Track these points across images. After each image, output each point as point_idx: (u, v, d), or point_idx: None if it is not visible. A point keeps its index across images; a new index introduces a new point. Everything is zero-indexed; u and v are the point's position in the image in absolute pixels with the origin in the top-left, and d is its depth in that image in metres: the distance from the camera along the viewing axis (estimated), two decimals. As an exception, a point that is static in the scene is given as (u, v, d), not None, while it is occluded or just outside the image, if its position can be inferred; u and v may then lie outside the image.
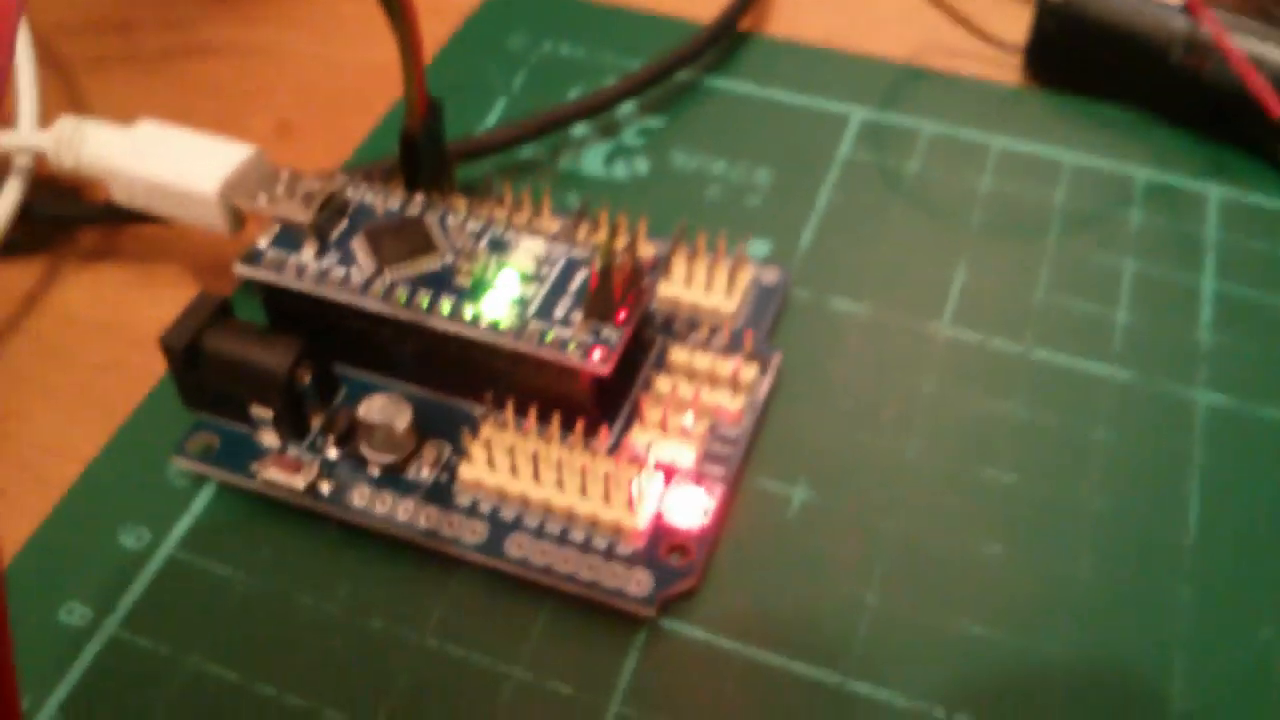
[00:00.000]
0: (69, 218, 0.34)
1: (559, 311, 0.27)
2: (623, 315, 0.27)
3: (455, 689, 0.25)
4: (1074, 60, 0.38)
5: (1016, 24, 0.39)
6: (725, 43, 0.40)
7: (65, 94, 0.39)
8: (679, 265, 0.31)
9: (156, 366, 0.31)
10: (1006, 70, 0.40)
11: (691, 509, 0.27)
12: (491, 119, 0.38)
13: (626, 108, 0.38)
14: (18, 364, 0.31)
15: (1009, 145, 0.37)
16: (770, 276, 0.32)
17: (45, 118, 0.34)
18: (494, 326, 0.27)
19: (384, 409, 0.27)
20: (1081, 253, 0.33)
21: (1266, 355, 0.31)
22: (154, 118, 0.31)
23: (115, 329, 0.32)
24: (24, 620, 0.26)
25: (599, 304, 0.27)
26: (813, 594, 0.27)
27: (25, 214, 0.33)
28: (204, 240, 0.34)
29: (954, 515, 0.28)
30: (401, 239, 0.28)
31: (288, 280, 0.28)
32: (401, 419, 0.27)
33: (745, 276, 0.31)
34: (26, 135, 0.32)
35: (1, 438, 0.30)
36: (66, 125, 0.31)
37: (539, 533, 0.27)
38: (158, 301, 0.33)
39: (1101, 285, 0.33)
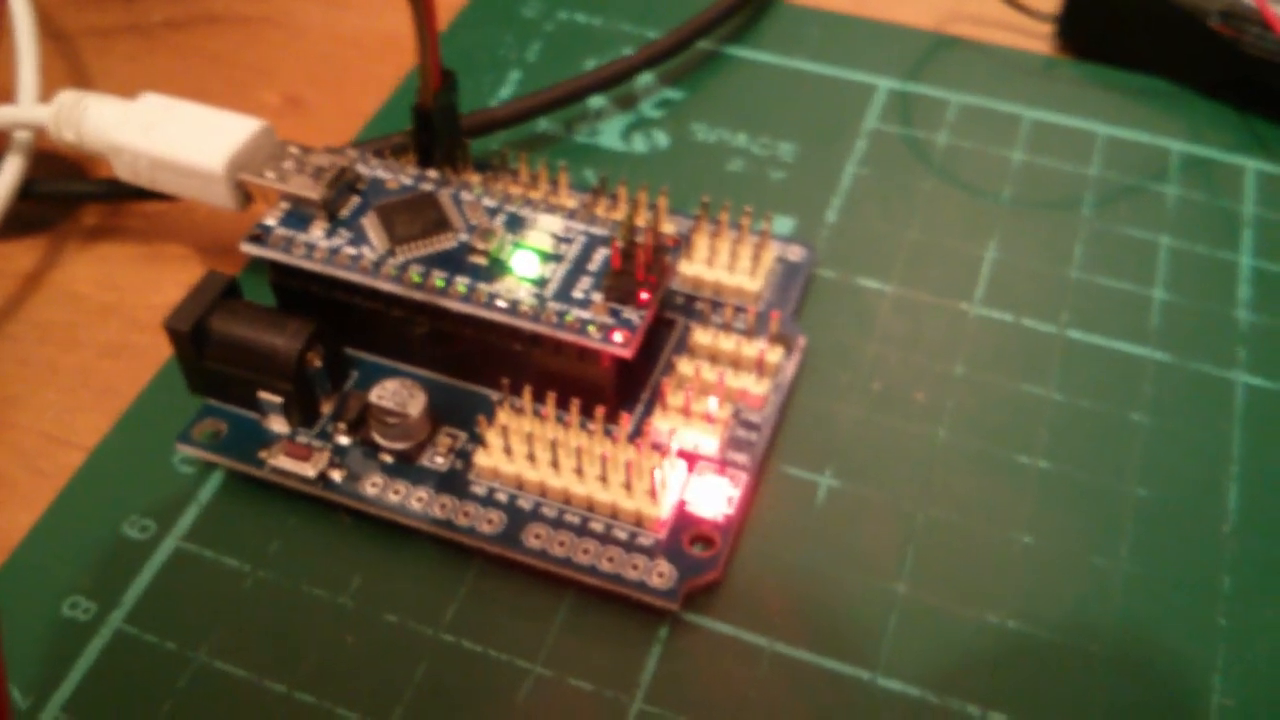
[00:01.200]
0: (71, 194, 0.33)
1: (578, 292, 0.26)
2: (645, 296, 0.26)
3: (472, 686, 0.24)
4: (1107, 29, 0.37)
5: (1047, -9, 0.38)
6: (747, 10, 0.39)
7: (66, 66, 0.38)
8: (701, 243, 0.30)
9: (163, 349, 0.30)
10: (1037, 39, 0.38)
11: (715, 498, 0.26)
12: (506, 91, 0.36)
13: (645, 79, 0.37)
14: (17, 347, 0.30)
15: (1041, 117, 0.36)
16: (795, 254, 0.31)
17: (46, 91, 0.33)
18: (511, 307, 0.26)
19: (397, 394, 0.26)
20: (1116, 228, 0.32)
21: (1311, 336, 0.30)
22: (157, 91, 0.30)
23: (120, 311, 0.31)
24: (26, 615, 0.25)
25: (620, 284, 0.26)
26: (841, 586, 0.26)
27: (26, 191, 0.32)
28: (210, 217, 0.33)
29: (987, 503, 0.27)
30: (415, 217, 0.27)
31: (297, 259, 0.27)
32: (415, 404, 0.26)
33: (769, 255, 0.30)
34: (27, 109, 0.31)
35: (0, 425, 0.29)
36: (67, 99, 0.30)
37: (558, 523, 0.26)
38: (162, 281, 0.32)
39: (1137, 262, 0.32)
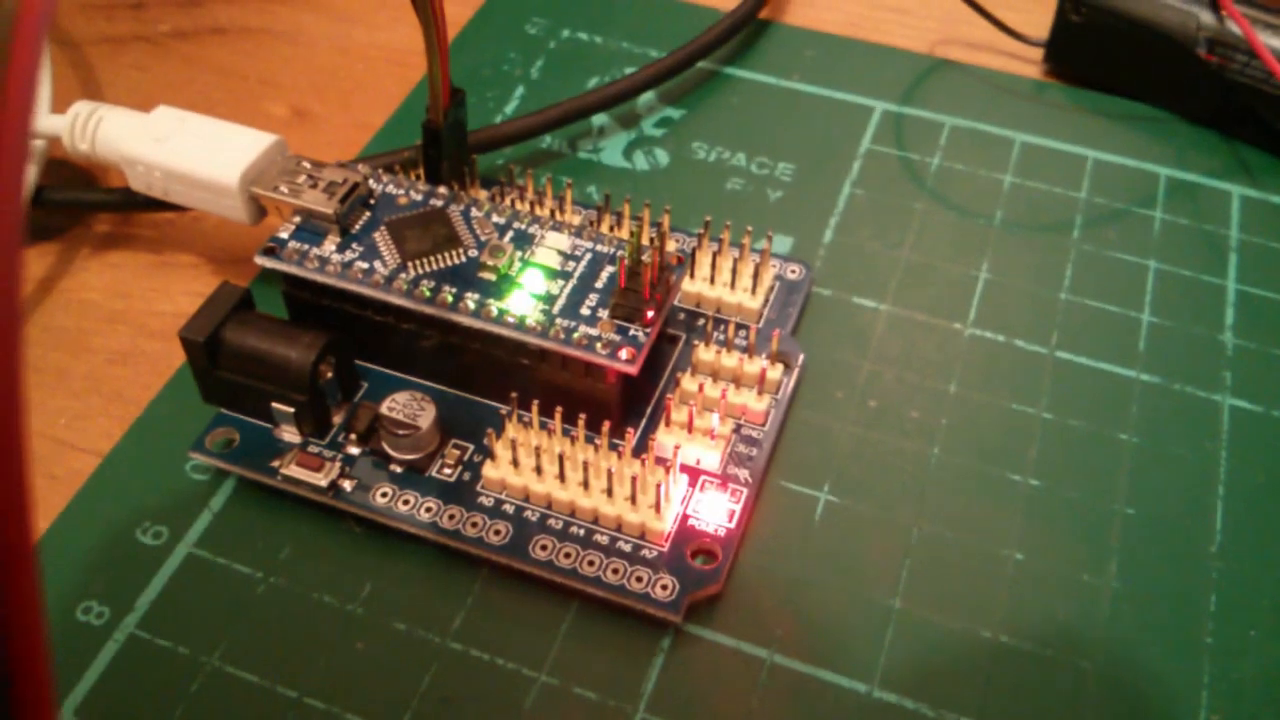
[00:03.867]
0: (82, 203, 0.33)
1: (585, 309, 0.27)
2: (650, 314, 0.26)
3: (480, 694, 0.25)
4: (1096, 55, 0.38)
5: (1038, 17, 0.39)
6: (746, 31, 0.40)
7: (76, 75, 0.38)
8: (703, 261, 0.31)
9: (173, 357, 0.30)
10: (1027, 64, 0.39)
11: (717, 512, 0.27)
12: (510, 107, 0.37)
13: (646, 97, 0.37)
14: (28, 352, 0.31)
15: (1031, 140, 0.36)
16: (794, 273, 0.32)
17: (57, 99, 0.33)
18: (520, 323, 0.26)
19: (407, 406, 0.27)
20: (1105, 251, 0.33)
21: (1293, 361, 0.31)
22: (167, 101, 0.31)
23: (130, 318, 0.32)
24: (41, 618, 0.26)
25: (626, 302, 0.26)
26: (839, 599, 0.26)
27: (38, 199, 0.32)
28: (222, 227, 0.34)
29: (980, 520, 0.28)
30: (425, 232, 0.28)
31: (310, 273, 0.27)
32: (425, 417, 0.27)
33: (769, 273, 0.31)
34: (40, 119, 0.32)
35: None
36: (82, 110, 0.31)
37: (563, 534, 0.26)
38: (172, 289, 0.32)
39: (1126, 286, 0.32)
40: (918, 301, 0.32)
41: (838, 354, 0.31)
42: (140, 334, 0.31)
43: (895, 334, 0.31)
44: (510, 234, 0.28)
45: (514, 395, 0.27)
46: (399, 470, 0.27)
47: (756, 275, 0.30)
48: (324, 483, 0.27)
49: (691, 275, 0.30)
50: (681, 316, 0.30)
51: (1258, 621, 0.26)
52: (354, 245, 0.28)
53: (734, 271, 0.30)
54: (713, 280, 0.30)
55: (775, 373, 0.29)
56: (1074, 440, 0.29)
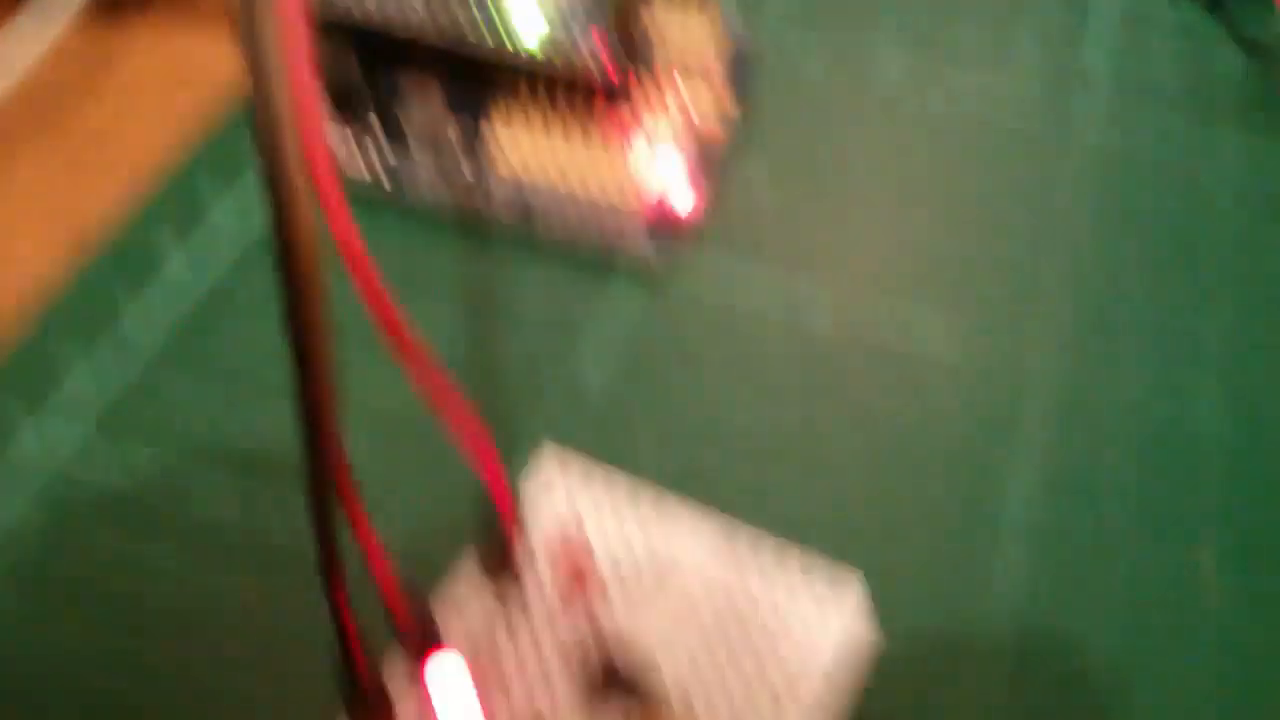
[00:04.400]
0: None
1: (576, 28, 0.32)
2: (631, 32, 0.33)
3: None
4: None
5: None
6: None
7: None
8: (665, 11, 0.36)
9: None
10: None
11: (684, 195, 0.33)
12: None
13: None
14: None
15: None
16: (739, 39, 0.38)
17: None
18: (529, 54, 0.32)
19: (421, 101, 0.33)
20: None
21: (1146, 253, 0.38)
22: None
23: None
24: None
25: (615, 26, 0.33)
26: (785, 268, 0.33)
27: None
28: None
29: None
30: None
31: (344, 17, 0.33)
32: (435, 103, 0.33)
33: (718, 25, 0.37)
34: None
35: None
36: None
37: (560, 207, 0.32)
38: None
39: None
40: (850, 73, 0.38)
41: (780, 112, 0.37)
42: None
43: (829, 95, 0.37)
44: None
45: (519, 85, 0.33)
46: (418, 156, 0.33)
47: (710, 28, 0.36)
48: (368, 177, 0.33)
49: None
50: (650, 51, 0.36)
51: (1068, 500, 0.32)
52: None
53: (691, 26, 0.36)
54: (673, 26, 0.36)
55: (727, 93, 0.35)
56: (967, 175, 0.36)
